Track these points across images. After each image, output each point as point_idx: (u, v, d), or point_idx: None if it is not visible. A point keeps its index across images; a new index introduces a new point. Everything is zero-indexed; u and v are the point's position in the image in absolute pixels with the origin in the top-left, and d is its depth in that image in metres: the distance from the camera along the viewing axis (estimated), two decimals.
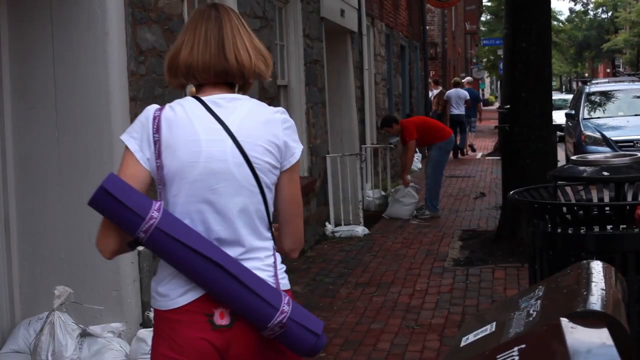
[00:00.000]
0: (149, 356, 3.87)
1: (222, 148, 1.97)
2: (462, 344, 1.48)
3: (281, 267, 2.07)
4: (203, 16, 2.07)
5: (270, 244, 2.06)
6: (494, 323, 1.47)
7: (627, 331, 1.34)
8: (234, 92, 2.09)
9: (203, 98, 2.02)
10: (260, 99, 5.27)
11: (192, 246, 1.90)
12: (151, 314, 4.10)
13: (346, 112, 10.17)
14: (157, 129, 1.96)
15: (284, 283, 2.07)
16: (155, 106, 2.03)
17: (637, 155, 3.78)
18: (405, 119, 11.24)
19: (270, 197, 2.04)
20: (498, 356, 1.28)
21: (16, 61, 4.08)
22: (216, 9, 2.09)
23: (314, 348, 2.00)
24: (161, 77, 4.53)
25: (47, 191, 4.09)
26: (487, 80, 57.82)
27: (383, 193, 10.94)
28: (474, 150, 18.69)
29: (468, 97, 17.70)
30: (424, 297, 5.86)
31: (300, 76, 7.84)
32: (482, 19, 41.75)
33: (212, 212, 1.97)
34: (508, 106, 7.43)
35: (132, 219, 1.87)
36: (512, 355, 1.26)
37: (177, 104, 2.02)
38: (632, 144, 12.12)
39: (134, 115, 4.17)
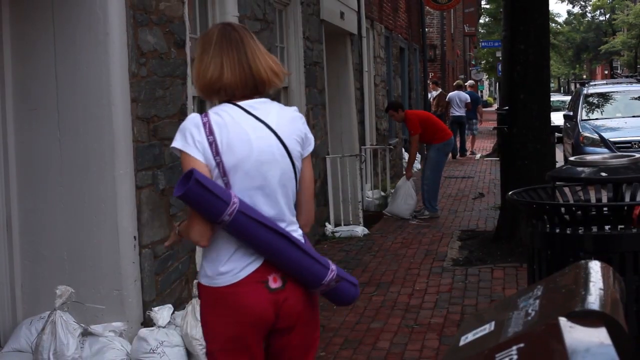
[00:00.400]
0: (150, 355, 3.93)
1: (268, 142, 2.37)
2: (461, 343, 1.49)
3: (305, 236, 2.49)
4: (231, 41, 2.41)
5: (295, 217, 2.46)
6: (493, 322, 1.47)
7: (625, 331, 1.34)
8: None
9: (240, 104, 2.40)
10: None
11: (264, 222, 2.30)
12: (152, 314, 4.13)
13: (346, 113, 10.18)
14: (210, 132, 2.31)
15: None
16: (197, 114, 2.37)
17: (634, 156, 3.80)
18: (411, 110, 11.18)
19: (298, 178, 2.46)
20: (497, 355, 1.29)
21: (18, 62, 4.09)
22: (235, 30, 2.44)
23: (355, 297, 2.50)
24: (162, 79, 4.54)
25: (48, 191, 4.09)
26: (486, 82, 57.80)
27: (382, 193, 10.95)
28: (473, 153, 18.71)
29: (468, 100, 17.74)
30: (423, 296, 5.88)
31: (300, 78, 7.85)
32: (481, 21, 41.72)
33: (261, 195, 2.35)
34: (506, 107, 7.44)
35: (219, 205, 2.24)
36: (511, 355, 1.26)
37: (220, 110, 2.38)
38: (629, 145, 12.14)
39: (135, 116, 4.18)
